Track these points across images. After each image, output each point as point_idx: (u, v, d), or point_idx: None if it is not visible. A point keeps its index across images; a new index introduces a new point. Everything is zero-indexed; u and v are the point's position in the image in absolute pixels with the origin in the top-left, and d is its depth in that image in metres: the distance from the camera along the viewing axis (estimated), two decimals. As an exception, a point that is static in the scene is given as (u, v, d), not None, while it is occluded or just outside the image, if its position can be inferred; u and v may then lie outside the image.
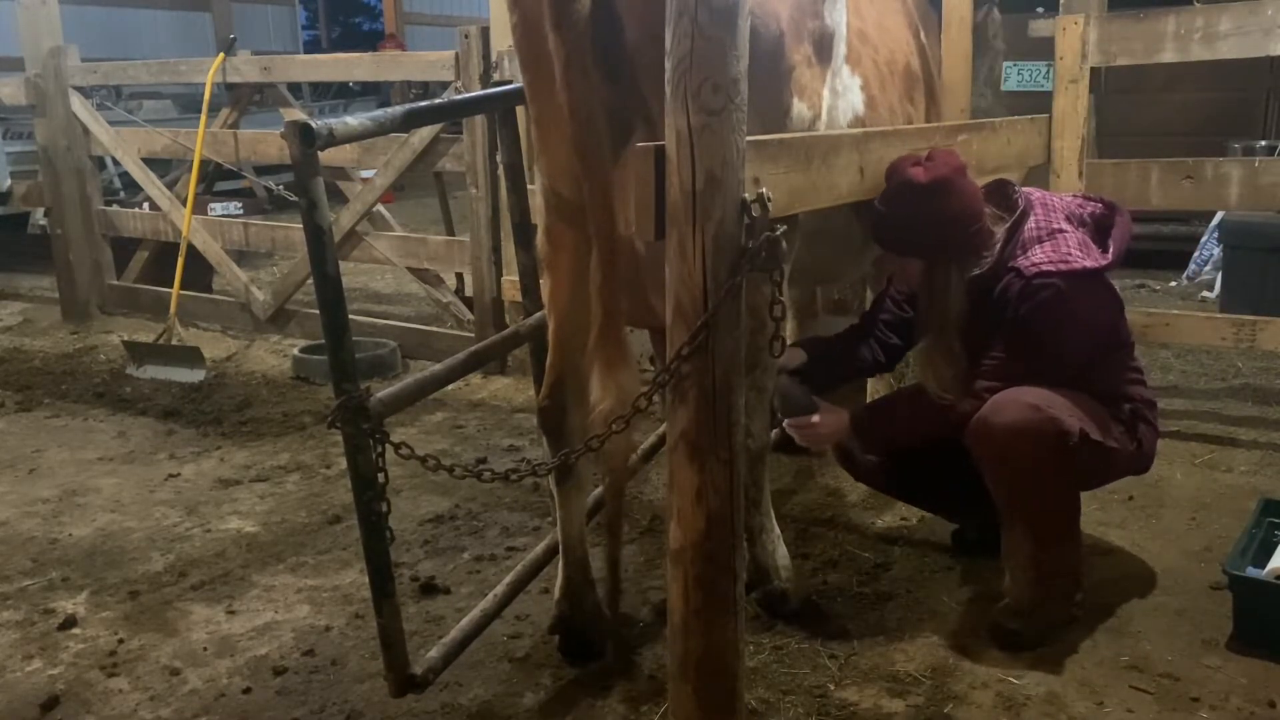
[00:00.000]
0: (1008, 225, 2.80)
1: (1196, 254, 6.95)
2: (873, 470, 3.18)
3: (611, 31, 2.24)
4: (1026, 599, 2.77)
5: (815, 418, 2.88)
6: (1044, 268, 2.67)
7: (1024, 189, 2.92)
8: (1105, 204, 2.93)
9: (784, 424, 2.97)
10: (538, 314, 2.99)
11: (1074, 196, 3.00)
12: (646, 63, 2.25)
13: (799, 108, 2.68)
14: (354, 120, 2.28)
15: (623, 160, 2.33)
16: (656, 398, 2.11)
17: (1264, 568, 2.76)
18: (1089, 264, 2.70)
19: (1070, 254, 2.70)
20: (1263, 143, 6.83)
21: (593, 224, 2.26)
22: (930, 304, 2.79)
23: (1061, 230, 2.76)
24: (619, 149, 2.31)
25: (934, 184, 2.67)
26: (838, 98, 2.88)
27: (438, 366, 2.68)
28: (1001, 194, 2.89)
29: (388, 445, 2.23)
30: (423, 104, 2.87)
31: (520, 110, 3.08)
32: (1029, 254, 2.72)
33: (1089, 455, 2.72)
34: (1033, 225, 2.78)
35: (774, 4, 2.55)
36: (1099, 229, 2.86)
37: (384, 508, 2.25)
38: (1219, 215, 6.49)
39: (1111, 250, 2.78)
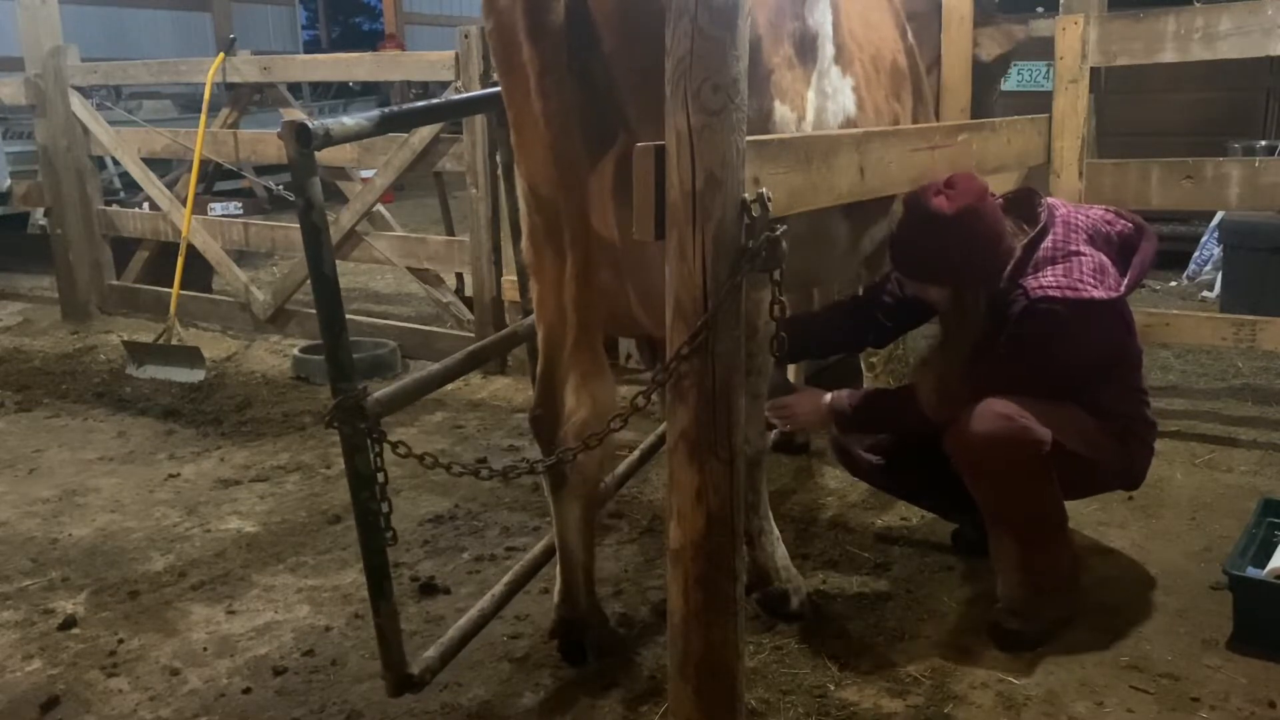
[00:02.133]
0: (1025, 242, 2.75)
1: (1196, 254, 6.95)
2: (872, 468, 3.18)
3: (587, 40, 2.23)
4: (1018, 600, 2.77)
5: (791, 399, 2.93)
6: (1049, 292, 2.64)
7: (1050, 201, 2.87)
8: (1135, 225, 2.87)
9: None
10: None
11: (1104, 211, 2.94)
12: (623, 70, 2.25)
13: (781, 110, 2.67)
14: (350, 120, 2.29)
15: (600, 168, 2.32)
16: (654, 397, 2.11)
17: (1264, 568, 2.76)
18: (1098, 295, 2.65)
19: (1081, 280, 2.65)
20: (1263, 143, 6.82)
21: (569, 233, 2.25)
22: (958, 328, 2.77)
23: (1079, 253, 2.71)
24: (596, 156, 2.30)
25: (961, 215, 2.63)
26: (827, 99, 2.86)
27: (435, 366, 2.68)
28: (1026, 205, 2.84)
29: (385, 444, 2.23)
30: (419, 104, 2.88)
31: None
32: (1039, 274, 2.68)
33: (1068, 465, 2.72)
34: (1049, 244, 2.73)
35: (751, 7, 2.54)
36: (1124, 249, 2.81)
37: (383, 507, 2.25)
38: (1219, 215, 6.49)
39: (1127, 280, 2.74)
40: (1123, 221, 2.89)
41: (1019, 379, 2.70)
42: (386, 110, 2.47)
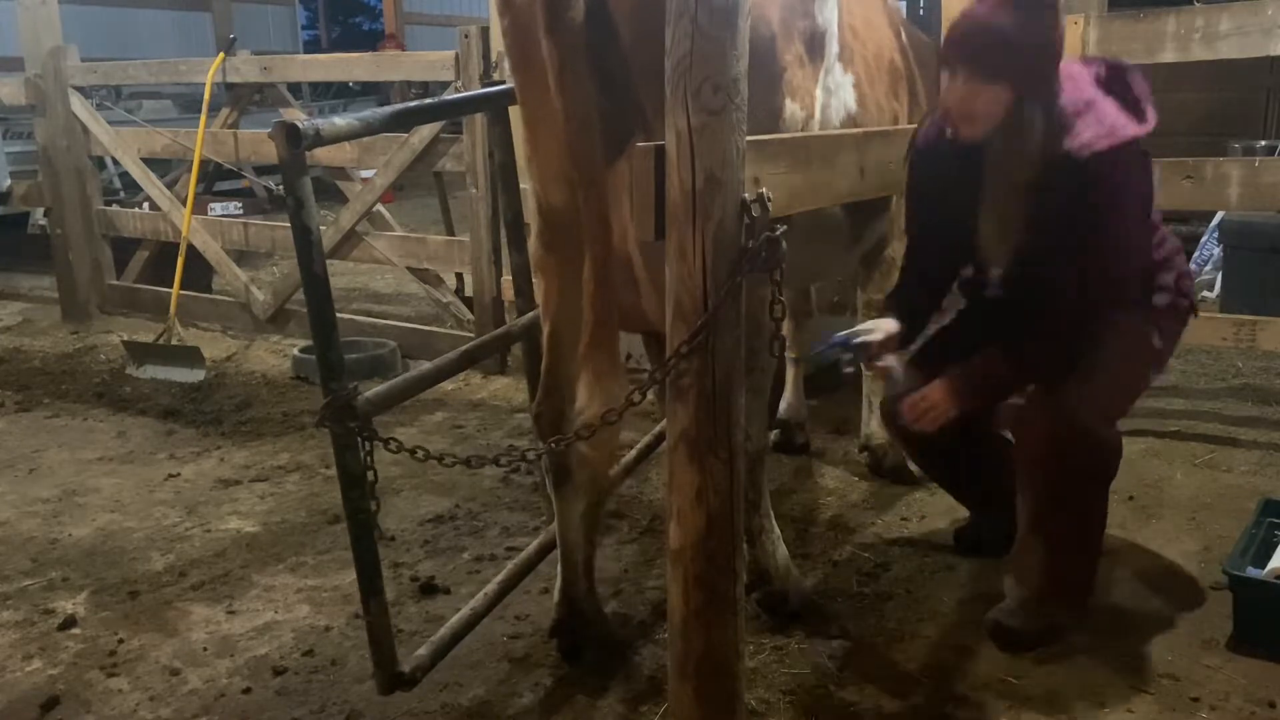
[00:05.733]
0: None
1: (1196, 254, 6.94)
2: (925, 448, 3.05)
3: (605, 36, 2.23)
4: (1026, 601, 2.75)
5: (926, 394, 2.71)
6: (1097, 145, 2.50)
7: None
8: (1107, 62, 2.69)
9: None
10: (530, 313, 2.99)
11: (1078, 60, 2.76)
12: (641, 67, 2.25)
13: (791, 109, 2.68)
14: (341, 120, 2.29)
15: (616, 166, 2.32)
16: (651, 394, 2.11)
17: (1264, 568, 2.76)
18: (1135, 130, 2.54)
19: (1115, 123, 2.52)
20: (1263, 143, 6.82)
21: (585, 230, 2.24)
22: (1008, 142, 2.54)
23: (1093, 100, 2.57)
24: (613, 154, 2.30)
25: (1046, 2, 2.50)
26: (830, 95, 2.88)
27: (428, 365, 2.69)
28: None
29: (376, 442, 2.23)
30: (412, 104, 2.88)
31: (514, 110, 3.08)
32: (1074, 133, 2.52)
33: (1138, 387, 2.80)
34: (1066, 101, 2.56)
35: (764, 6, 2.55)
36: (1109, 86, 2.64)
37: (371, 505, 2.26)
38: (1219, 215, 6.48)
39: (1149, 113, 2.58)
40: (1094, 64, 2.69)
41: (1095, 253, 2.56)
42: (379, 110, 2.47)
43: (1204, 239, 6.88)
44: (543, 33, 2.16)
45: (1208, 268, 6.81)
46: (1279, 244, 5.59)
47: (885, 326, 2.80)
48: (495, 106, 3.05)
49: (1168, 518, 3.49)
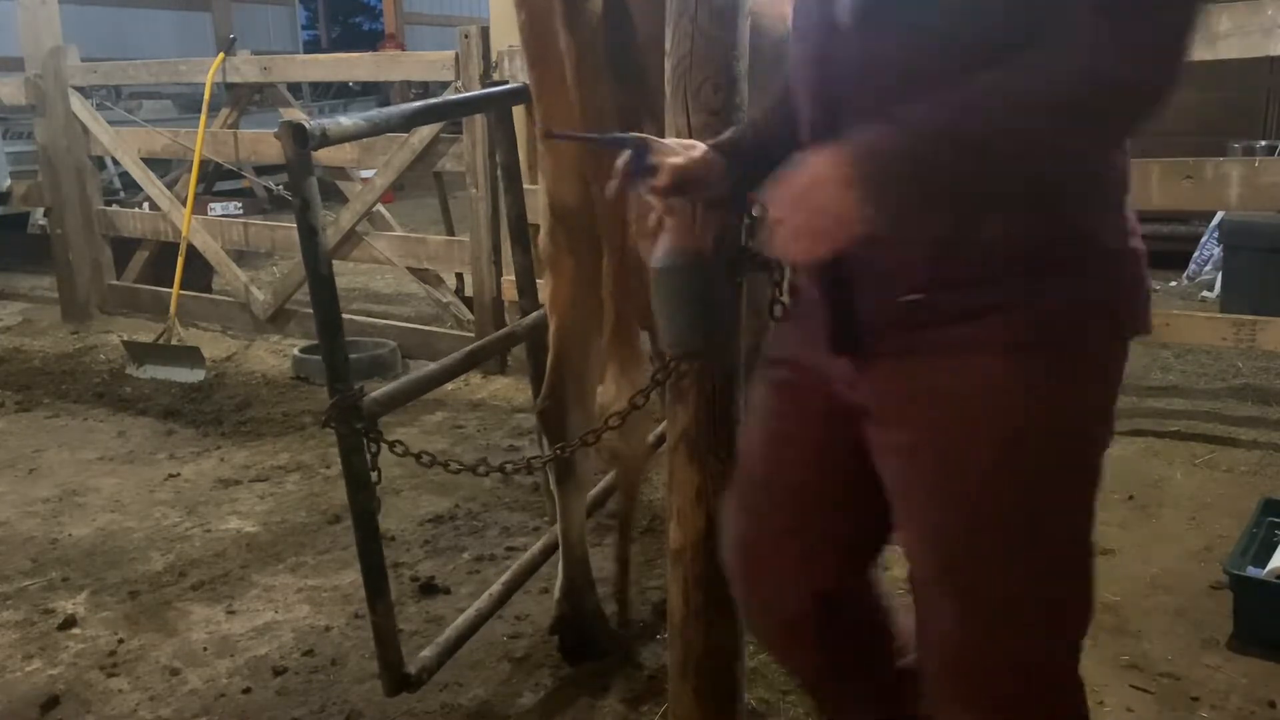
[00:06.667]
0: None
1: (1196, 254, 6.95)
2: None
3: (623, 30, 2.24)
4: None
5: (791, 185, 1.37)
6: None
7: None
8: None
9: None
10: (534, 313, 2.99)
11: None
12: (657, 61, 2.25)
13: None
14: (348, 120, 2.28)
15: None
16: (654, 395, 2.11)
17: (1264, 568, 2.77)
18: None
19: None
20: (1263, 143, 6.82)
21: (602, 225, 2.25)
22: None
23: None
24: None
25: None
26: None
27: (433, 366, 2.68)
28: None
29: (382, 444, 2.23)
30: (417, 104, 2.88)
31: (515, 110, 3.08)
32: None
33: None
34: None
35: (781, 4, 2.55)
36: None
37: (374, 506, 2.26)
38: (1219, 215, 6.48)
39: None
40: None
41: None
42: (385, 109, 2.47)
43: (1204, 239, 6.88)
44: (560, 27, 2.16)
45: (1208, 268, 6.82)
46: (1279, 244, 5.59)
47: (701, 154, 1.66)
48: (500, 106, 3.04)
49: (1168, 518, 3.49)
